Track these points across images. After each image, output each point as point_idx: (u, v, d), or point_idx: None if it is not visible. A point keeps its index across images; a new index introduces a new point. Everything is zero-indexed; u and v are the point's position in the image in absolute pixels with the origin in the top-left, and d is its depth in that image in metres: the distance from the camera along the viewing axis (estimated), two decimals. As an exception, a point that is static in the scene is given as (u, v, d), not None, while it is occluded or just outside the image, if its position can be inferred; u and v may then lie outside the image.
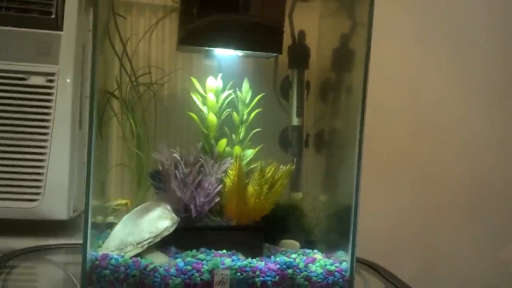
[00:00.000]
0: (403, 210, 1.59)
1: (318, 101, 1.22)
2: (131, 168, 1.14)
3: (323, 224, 1.14)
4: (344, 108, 1.15)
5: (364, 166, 1.01)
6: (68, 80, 1.26)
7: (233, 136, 1.09)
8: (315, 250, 1.06)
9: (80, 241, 0.93)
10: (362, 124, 0.98)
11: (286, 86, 1.20)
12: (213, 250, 0.98)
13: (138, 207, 1.02)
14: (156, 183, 1.06)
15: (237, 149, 1.07)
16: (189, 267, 0.92)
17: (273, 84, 1.20)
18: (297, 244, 1.08)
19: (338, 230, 1.08)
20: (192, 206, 1.01)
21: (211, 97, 1.07)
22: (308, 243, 1.09)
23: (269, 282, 0.94)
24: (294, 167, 1.05)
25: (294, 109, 1.19)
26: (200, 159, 1.02)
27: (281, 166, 1.05)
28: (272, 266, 0.95)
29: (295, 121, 1.19)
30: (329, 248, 1.06)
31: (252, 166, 1.07)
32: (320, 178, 1.21)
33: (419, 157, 1.59)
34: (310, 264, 0.96)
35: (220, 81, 1.09)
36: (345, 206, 1.08)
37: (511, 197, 1.65)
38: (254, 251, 1.00)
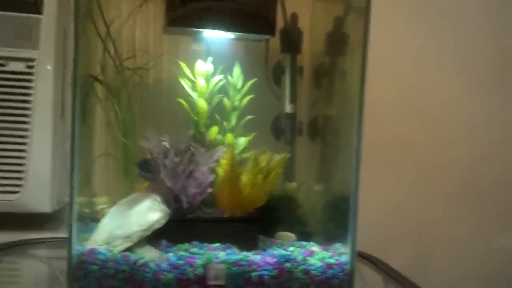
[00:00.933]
0: (397, 199, 1.56)
1: (311, 87, 1.17)
2: (117, 157, 1.08)
3: (319, 215, 1.10)
4: (340, 94, 1.10)
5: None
6: (48, 66, 1.20)
7: (225, 123, 1.04)
8: (312, 242, 1.02)
9: (65, 235, 0.88)
10: (361, 111, 0.94)
11: (278, 72, 1.16)
12: (206, 244, 0.93)
13: (126, 199, 0.97)
14: (144, 173, 1.00)
15: (229, 137, 1.03)
16: (181, 262, 0.88)
17: (265, 69, 1.15)
18: (293, 236, 1.04)
19: (335, 221, 1.04)
20: (183, 197, 0.96)
21: (201, 82, 1.02)
22: (304, 235, 1.05)
23: (266, 276, 0.89)
24: (289, 155, 1.01)
25: (287, 96, 1.14)
26: (191, 147, 0.97)
27: (275, 155, 1.01)
28: (269, 259, 0.90)
29: (288, 108, 1.14)
30: (326, 240, 1.02)
31: (245, 155, 1.02)
32: (315, 167, 1.16)
33: (413, 145, 1.56)
34: (308, 257, 0.92)
35: (211, 66, 1.03)
36: (343, 195, 1.05)
37: (507, 184, 1.63)
38: (249, 244, 0.95)
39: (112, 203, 1.01)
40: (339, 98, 1.10)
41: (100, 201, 1.07)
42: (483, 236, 1.62)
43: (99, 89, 1.06)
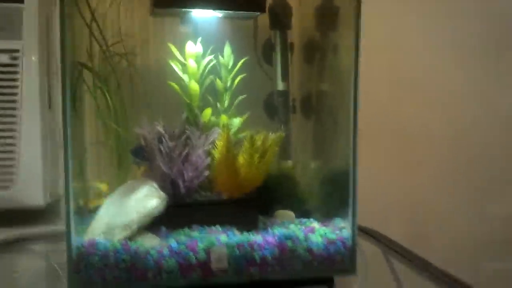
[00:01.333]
0: (388, 171, 1.57)
1: (302, 64, 1.15)
2: (110, 146, 1.06)
3: (316, 192, 1.09)
4: (333, 70, 1.09)
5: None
6: (33, 57, 1.17)
7: (218, 104, 1.03)
8: (311, 219, 1.01)
9: (61, 228, 0.87)
10: (356, 85, 0.92)
11: (268, 49, 1.14)
12: (206, 227, 0.92)
13: (121, 187, 0.95)
14: (139, 160, 0.99)
15: (223, 118, 1.01)
16: (183, 247, 0.86)
17: (254, 48, 1.12)
18: (292, 214, 1.03)
19: (333, 197, 1.03)
20: (180, 182, 0.95)
21: (191, 63, 1.00)
22: (303, 213, 1.04)
23: (269, 256, 0.88)
24: (284, 134, 0.99)
25: (279, 73, 1.12)
26: (186, 131, 0.95)
27: (271, 134, 0.99)
28: (270, 239, 0.90)
29: (280, 85, 1.13)
30: (325, 216, 1.01)
31: (241, 135, 1.00)
32: (309, 144, 1.15)
33: (401, 117, 1.56)
34: (310, 234, 0.91)
35: (200, 46, 1.01)
36: (340, 171, 1.04)
37: (496, 151, 1.64)
38: (249, 225, 0.94)
39: (108, 192, 0.99)
40: (332, 73, 1.09)
41: (100, 188, 1.05)
42: (475, 204, 1.64)
43: (87, 77, 1.04)
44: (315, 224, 0.98)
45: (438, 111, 1.60)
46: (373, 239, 1.23)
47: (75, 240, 0.85)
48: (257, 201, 0.98)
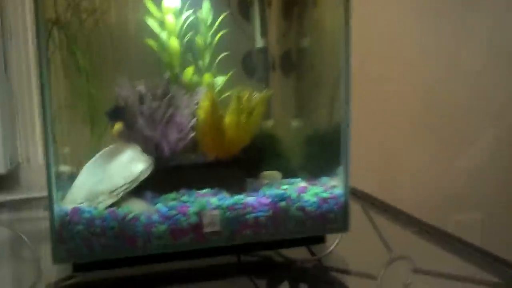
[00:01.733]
0: (357, 128, 1.56)
1: (280, 19, 1.11)
2: (81, 108, 0.99)
3: (300, 151, 1.07)
4: (316, 24, 1.05)
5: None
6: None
7: (200, 62, 0.98)
8: (298, 179, 0.99)
9: (24, 196, 0.81)
10: (347, 41, 0.89)
11: (245, 4, 1.09)
12: (194, 191, 0.89)
13: (102, 152, 0.89)
14: (115, 123, 0.93)
15: (206, 77, 0.96)
16: (173, 212, 0.83)
17: (228, 2, 1.07)
18: (278, 174, 1.00)
19: (319, 156, 1.01)
20: (164, 144, 0.90)
21: (170, 19, 0.94)
22: (288, 172, 1.02)
23: (262, 217, 0.86)
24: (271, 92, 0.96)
25: (258, 29, 1.08)
26: (169, 91, 0.89)
27: (255, 93, 0.96)
28: (263, 200, 0.87)
29: (260, 42, 1.08)
30: (311, 175, 0.99)
31: (225, 94, 0.96)
32: (291, 102, 1.12)
33: (370, 74, 1.55)
34: (302, 194, 0.89)
35: (179, 1, 0.95)
36: (326, 129, 1.02)
37: (464, 106, 1.67)
38: (237, 187, 0.91)
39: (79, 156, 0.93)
40: (317, 27, 1.05)
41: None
42: (444, 158, 1.67)
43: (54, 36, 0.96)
44: (304, 184, 0.96)
45: (406, 68, 1.60)
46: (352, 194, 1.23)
47: (57, 209, 0.80)
48: (245, 163, 0.95)
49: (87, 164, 0.88)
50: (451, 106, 1.65)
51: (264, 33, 1.08)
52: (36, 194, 1.19)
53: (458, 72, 1.65)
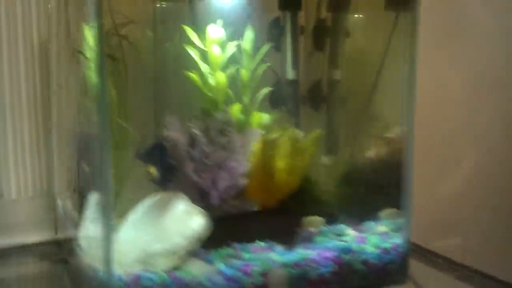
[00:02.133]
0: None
1: (312, 49, 1.04)
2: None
3: (337, 192, 1.00)
4: (351, 56, 1.00)
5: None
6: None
7: (244, 98, 0.88)
8: (343, 225, 0.92)
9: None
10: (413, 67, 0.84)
11: (275, 31, 1.00)
12: (246, 244, 0.80)
13: (146, 202, 0.78)
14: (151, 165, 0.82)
15: (256, 116, 0.87)
16: (237, 273, 0.74)
17: (269, 30, 0.99)
18: (322, 220, 0.93)
19: (361, 197, 0.95)
20: (213, 192, 0.80)
21: (215, 50, 0.84)
22: (328, 217, 0.94)
23: (327, 274, 0.79)
24: (323, 131, 0.89)
25: (289, 60, 1.00)
26: (227, 133, 0.80)
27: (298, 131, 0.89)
28: (326, 254, 0.80)
29: (290, 74, 1.01)
30: (354, 219, 0.93)
31: (273, 135, 0.87)
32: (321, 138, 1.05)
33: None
34: (362, 245, 0.83)
35: (222, 30, 0.86)
36: (365, 169, 0.97)
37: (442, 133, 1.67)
38: (290, 238, 0.83)
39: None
40: (351, 59, 1.00)
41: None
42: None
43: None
44: (350, 231, 0.90)
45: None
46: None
47: (105, 275, 0.68)
48: (293, 210, 0.87)
49: (131, 217, 0.76)
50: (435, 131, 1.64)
51: (296, 64, 1.01)
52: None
53: (441, 99, 1.65)
